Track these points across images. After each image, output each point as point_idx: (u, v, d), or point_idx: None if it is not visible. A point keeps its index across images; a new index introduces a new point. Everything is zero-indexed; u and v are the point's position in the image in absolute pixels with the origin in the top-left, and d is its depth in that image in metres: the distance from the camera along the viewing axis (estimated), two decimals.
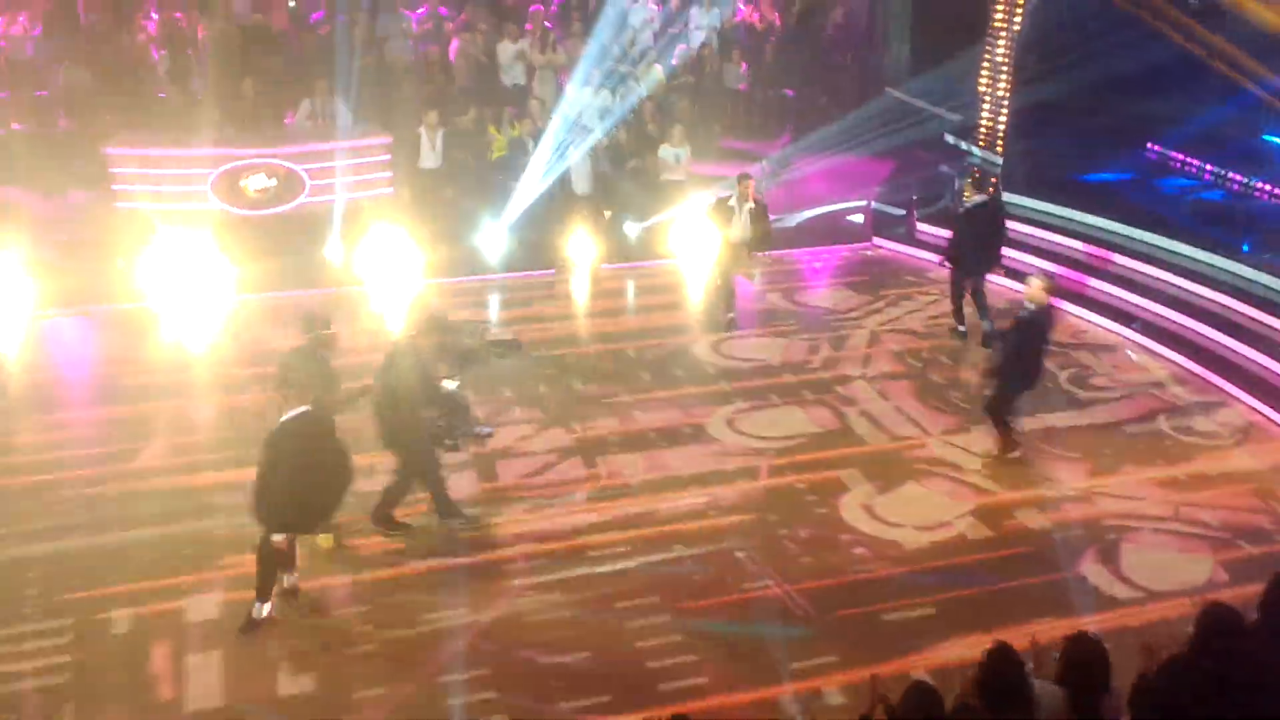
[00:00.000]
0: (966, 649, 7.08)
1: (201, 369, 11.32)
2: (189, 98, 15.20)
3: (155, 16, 16.67)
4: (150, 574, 8.09)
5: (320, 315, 8.53)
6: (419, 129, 14.66)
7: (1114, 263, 13.71)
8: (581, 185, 14.60)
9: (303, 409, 7.24)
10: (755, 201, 12.45)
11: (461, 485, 9.30)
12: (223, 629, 7.57)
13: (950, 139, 18.27)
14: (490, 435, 9.60)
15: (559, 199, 14.48)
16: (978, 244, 12.21)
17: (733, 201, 12.41)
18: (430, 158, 14.75)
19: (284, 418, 7.26)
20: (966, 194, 12.74)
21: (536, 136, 14.87)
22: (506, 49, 16.44)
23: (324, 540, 8.25)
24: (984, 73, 17.44)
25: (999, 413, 9.82)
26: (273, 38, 16.49)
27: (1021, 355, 9.65)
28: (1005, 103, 17.25)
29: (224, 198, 14.13)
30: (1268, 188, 15.05)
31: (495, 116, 15.53)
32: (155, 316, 12.36)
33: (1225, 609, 5.35)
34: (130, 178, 13.88)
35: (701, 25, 17.88)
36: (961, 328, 12.38)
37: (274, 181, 14.25)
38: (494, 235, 14.25)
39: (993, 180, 13.35)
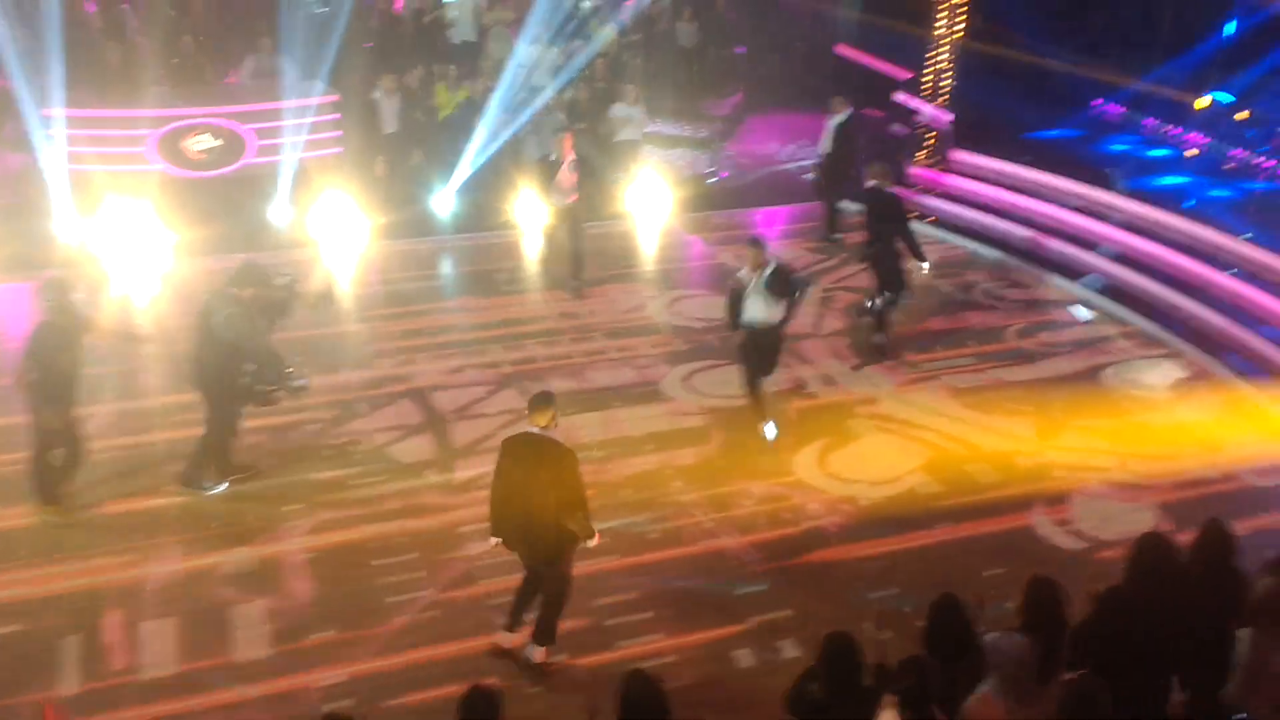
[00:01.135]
0: (919, 600, 7.17)
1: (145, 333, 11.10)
2: (127, 56, 14.80)
3: None
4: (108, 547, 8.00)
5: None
6: (373, 94, 14.33)
7: (1061, 219, 13.87)
8: (531, 149, 14.39)
9: None
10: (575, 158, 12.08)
11: (421, 447, 9.28)
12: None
13: (900, 97, 18.30)
14: (305, 388, 9.11)
15: (509, 160, 14.35)
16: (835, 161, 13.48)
17: (554, 157, 12.14)
18: (390, 122, 14.49)
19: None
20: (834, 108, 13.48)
21: (484, 99, 14.66)
22: (457, 4, 16.20)
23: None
24: (936, 30, 17.47)
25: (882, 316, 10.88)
26: None
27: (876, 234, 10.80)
28: (954, 60, 17.31)
29: (167, 159, 13.83)
30: (1207, 141, 15.29)
31: (443, 74, 15.29)
32: (98, 281, 12.11)
33: (1158, 538, 5.52)
34: (70, 139, 13.53)
35: None
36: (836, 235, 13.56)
37: (219, 141, 13.96)
38: (445, 197, 14.11)
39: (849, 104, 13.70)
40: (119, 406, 9.74)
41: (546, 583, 6.79)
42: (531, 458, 6.57)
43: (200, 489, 8.57)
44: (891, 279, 10.87)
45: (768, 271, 9.12)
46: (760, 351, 9.32)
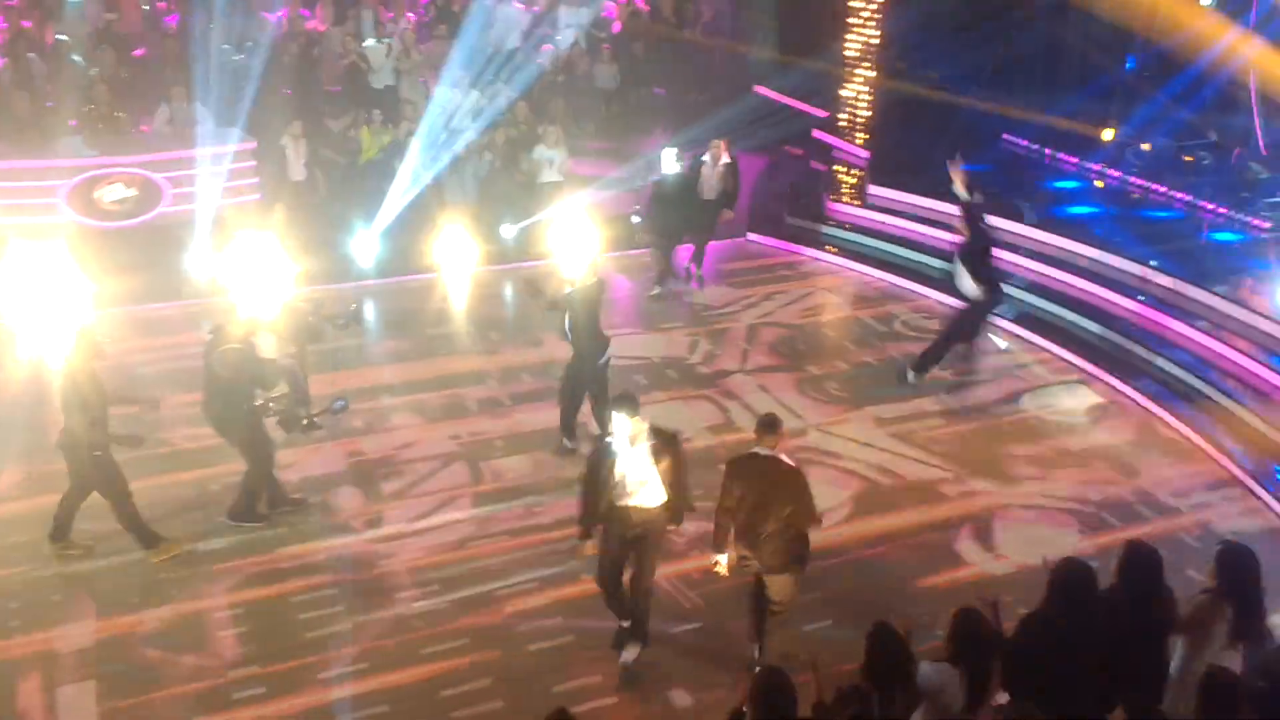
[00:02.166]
0: (852, 633, 7.22)
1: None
2: (36, 106, 14.48)
3: (2, 24, 15.86)
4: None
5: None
6: (282, 140, 14.23)
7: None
8: (454, 192, 14.35)
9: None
10: None
11: (342, 495, 9.16)
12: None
13: (818, 135, 18.67)
14: (345, 408, 9.27)
15: (432, 203, 14.31)
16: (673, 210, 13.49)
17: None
18: (297, 169, 14.30)
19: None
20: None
21: (406, 142, 14.63)
22: (376, 50, 16.14)
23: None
24: (847, 69, 17.93)
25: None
26: (123, 39, 15.85)
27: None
28: (868, 98, 17.76)
29: (79, 210, 13.53)
30: (1118, 175, 15.80)
31: (367, 119, 15.20)
32: (9, 335, 11.78)
33: (1076, 564, 5.65)
34: None
35: (570, 24, 17.86)
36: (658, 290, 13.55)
37: (132, 191, 13.70)
38: (367, 241, 14.00)
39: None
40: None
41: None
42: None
43: (251, 522, 8.61)
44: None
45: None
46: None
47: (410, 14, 17.06)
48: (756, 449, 7.03)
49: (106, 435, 7.97)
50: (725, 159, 13.75)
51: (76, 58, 15.20)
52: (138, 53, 15.78)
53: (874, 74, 17.57)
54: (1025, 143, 17.17)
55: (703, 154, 13.99)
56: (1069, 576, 5.52)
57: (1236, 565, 5.68)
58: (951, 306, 13.21)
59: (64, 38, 15.30)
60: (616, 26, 18.45)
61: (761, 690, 4.84)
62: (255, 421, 8.57)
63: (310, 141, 14.47)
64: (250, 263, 11.02)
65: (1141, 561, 5.70)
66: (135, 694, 7.01)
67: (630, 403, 6.95)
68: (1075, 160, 16.42)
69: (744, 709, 4.97)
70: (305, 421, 8.95)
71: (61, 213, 13.43)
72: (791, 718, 4.81)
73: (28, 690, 7.02)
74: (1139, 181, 15.55)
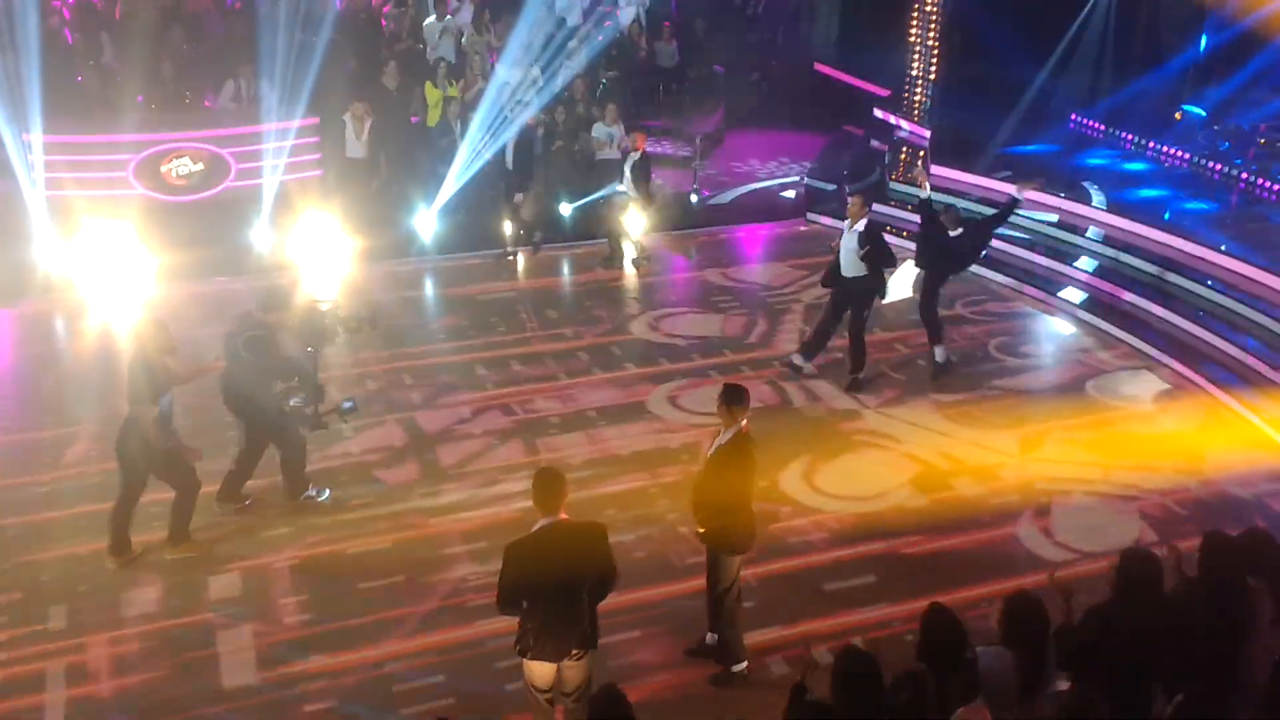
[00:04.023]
0: (907, 615, 7.20)
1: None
2: (106, 81, 14.78)
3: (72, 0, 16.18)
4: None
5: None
6: (344, 116, 14.23)
7: (1039, 231, 13.98)
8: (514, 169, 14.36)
9: None
10: None
11: (402, 470, 9.27)
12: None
13: (879, 114, 18.46)
14: (354, 409, 9.21)
15: (493, 179, 14.36)
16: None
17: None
18: (356, 147, 14.28)
19: None
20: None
21: (473, 104, 14.64)
22: (433, 27, 16.24)
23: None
24: (911, 47, 17.66)
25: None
26: (192, 18, 16.09)
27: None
28: (932, 77, 17.49)
29: (147, 184, 13.79)
30: (1187, 157, 15.44)
31: (430, 73, 15.20)
32: (78, 309, 12.06)
33: (1144, 555, 5.53)
34: (50, 165, 13.48)
35: (631, 2, 17.82)
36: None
37: (199, 166, 13.94)
38: (427, 219, 14.11)
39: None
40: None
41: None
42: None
43: (308, 498, 8.73)
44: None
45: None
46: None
47: None
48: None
49: (169, 435, 7.95)
50: (637, 154, 13.41)
51: (146, 31, 15.45)
52: (208, 29, 16.00)
53: (937, 52, 17.27)
54: (1093, 123, 16.85)
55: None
56: (1133, 567, 5.42)
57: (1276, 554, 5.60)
58: (1010, 287, 13.07)
59: (133, 14, 15.56)
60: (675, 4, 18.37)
61: (845, 672, 4.80)
62: (279, 408, 8.53)
63: (373, 120, 14.45)
64: (312, 239, 11.18)
65: (1219, 552, 5.58)
66: (201, 649, 7.17)
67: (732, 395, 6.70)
68: (1146, 142, 16.09)
69: (805, 683, 4.95)
70: (313, 420, 8.95)
71: (130, 186, 13.69)
72: (875, 700, 4.76)
73: (95, 657, 7.21)
74: (1212, 164, 15.20)
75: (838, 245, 10.55)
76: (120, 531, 8.04)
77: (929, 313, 10.96)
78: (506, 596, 5.68)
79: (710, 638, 7.10)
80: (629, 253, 13.66)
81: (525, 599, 5.67)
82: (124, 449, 7.91)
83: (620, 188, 13.55)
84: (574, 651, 5.79)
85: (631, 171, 13.36)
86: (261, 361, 8.33)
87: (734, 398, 6.66)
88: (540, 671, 5.84)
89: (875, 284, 10.56)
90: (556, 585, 5.65)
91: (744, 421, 6.66)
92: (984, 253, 11.81)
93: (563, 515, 5.71)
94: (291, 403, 8.65)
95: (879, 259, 10.43)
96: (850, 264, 10.43)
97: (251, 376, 8.34)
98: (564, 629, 5.74)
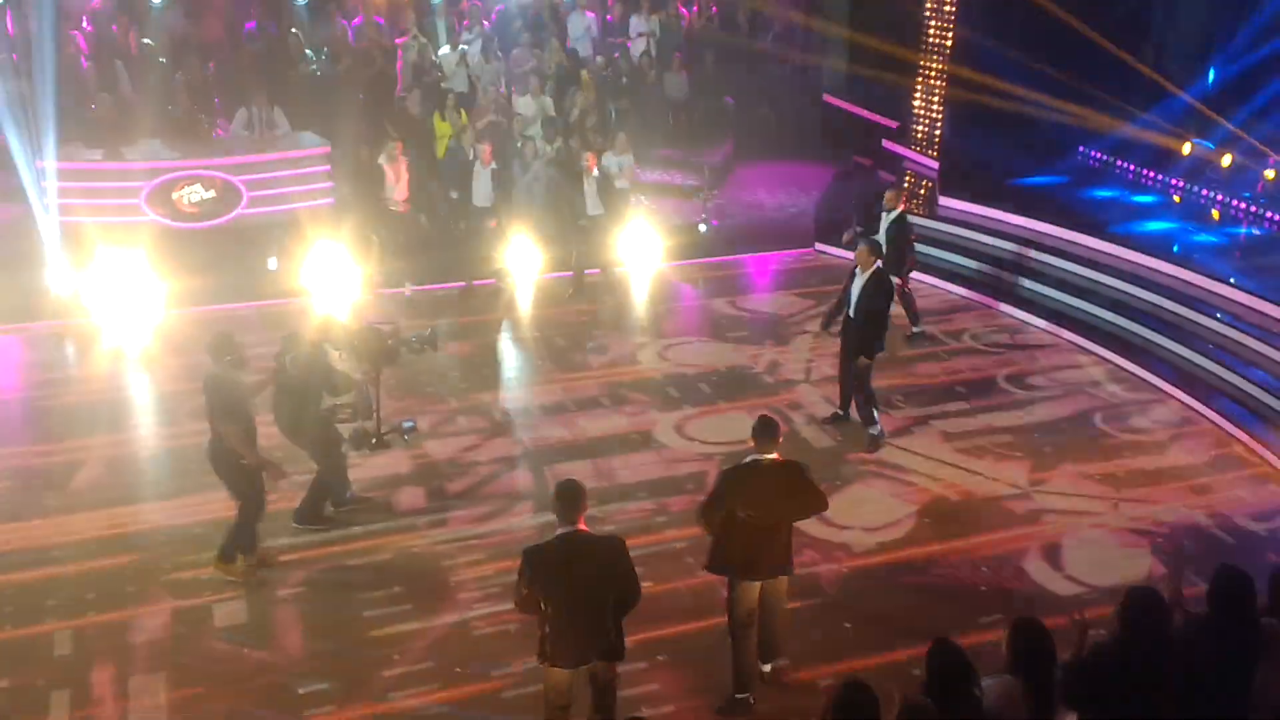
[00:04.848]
0: (915, 648, 7.14)
1: (138, 388, 11.13)
2: (120, 109, 14.92)
3: (89, 28, 16.37)
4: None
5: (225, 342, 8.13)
6: (379, 160, 13.55)
7: (1047, 263, 13.99)
8: (481, 198, 14.23)
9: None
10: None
11: (407, 497, 9.27)
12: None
13: (889, 146, 18.55)
14: (414, 429, 9.43)
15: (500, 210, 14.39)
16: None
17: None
18: (399, 190, 13.52)
19: None
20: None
21: (485, 134, 14.68)
22: (449, 56, 16.37)
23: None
24: (919, 79, 17.77)
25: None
26: (206, 47, 16.27)
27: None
28: (940, 110, 17.60)
29: (159, 210, 13.88)
30: (1198, 190, 15.46)
31: (441, 103, 15.27)
32: (90, 334, 12.12)
33: (1149, 591, 5.49)
34: (64, 191, 13.59)
35: (642, 33, 17.95)
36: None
37: (211, 193, 14.03)
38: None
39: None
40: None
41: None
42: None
43: (315, 525, 8.73)
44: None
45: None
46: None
47: (485, 22, 17.29)
48: (758, 457, 6.76)
49: (256, 450, 8.00)
50: (595, 173, 13.51)
51: (161, 60, 15.63)
52: (221, 58, 16.16)
53: (946, 84, 17.38)
54: (1098, 154, 16.91)
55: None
56: (1139, 604, 5.38)
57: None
58: (1019, 320, 13.06)
59: (149, 42, 15.74)
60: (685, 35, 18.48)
61: (842, 704, 4.75)
62: (325, 424, 8.70)
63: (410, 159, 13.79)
64: (325, 266, 11.30)
65: (1232, 587, 5.54)
66: (204, 685, 7.14)
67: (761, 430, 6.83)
68: (1153, 174, 16.12)
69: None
70: (374, 440, 9.14)
71: (142, 213, 13.79)
72: None
73: (100, 679, 7.19)
74: (1218, 197, 15.21)
75: (845, 289, 10.19)
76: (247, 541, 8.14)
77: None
78: (522, 599, 5.91)
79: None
80: (582, 283, 13.69)
81: (542, 602, 5.84)
82: (217, 467, 8.01)
83: (591, 212, 13.53)
84: (598, 662, 6.00)
85: (599, 194, 13.44)
86: (309, 378, 8.41)
87: (755, 428, 6.83)
88: (556, 678, 6.01)
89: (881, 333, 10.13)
90: (573, 593, 5.82)
91: (761, 451, 6.76)
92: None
93: (581, 526, 5.89)
94: (342, 416, 8.74)
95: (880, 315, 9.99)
96: (854, 309, 10.02)
97: (297, 395, 8.41)
98: (583, 639, 5.92)
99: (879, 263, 9.97)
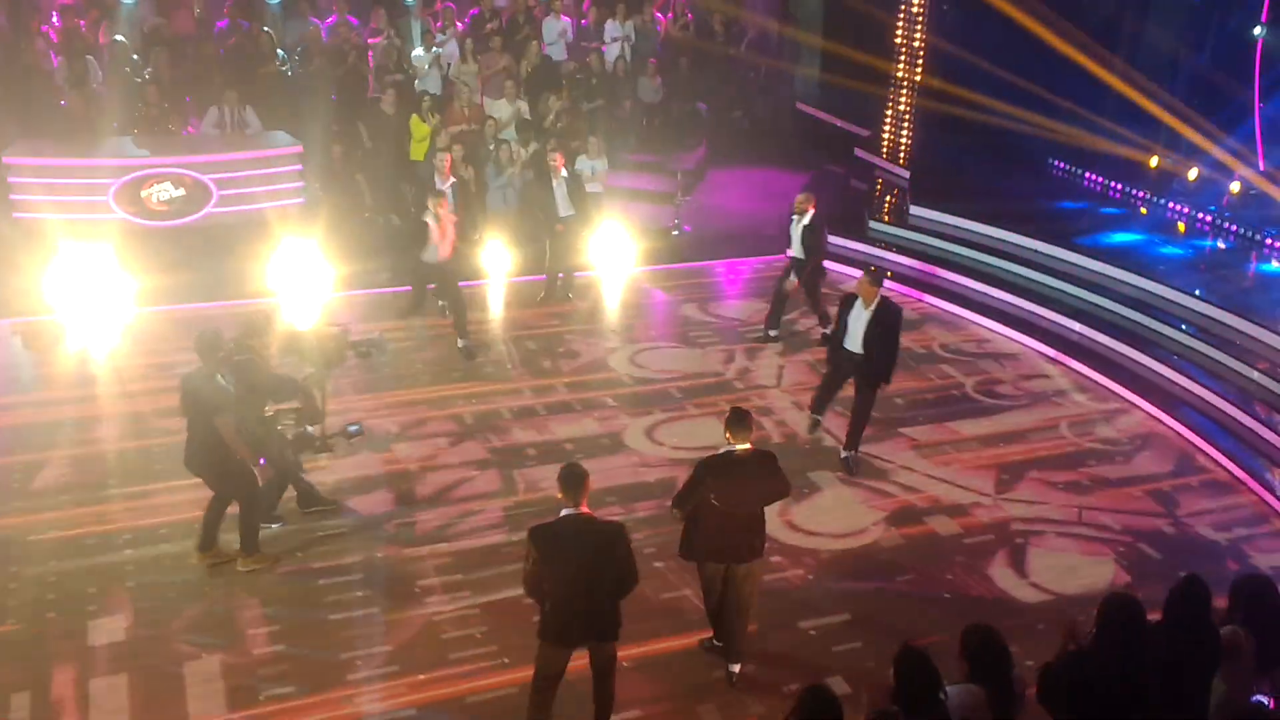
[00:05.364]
0: (882, 654, 7.18)
1: (104, 386, 11.01)
2: (89, 105, 14.77)
3: (58, 23, 16.20)
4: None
5: (215, 340, 8.08)
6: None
7: (1015, 273, 14.12)
8: (494, 202, 14.26)
9: None
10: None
11: (375, 500, 9.22)
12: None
13: (860, 154, 18.67)
14: (360, 433, 9.36)
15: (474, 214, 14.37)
16: None
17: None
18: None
19: None
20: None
21: (459, 139, 14.65)
22: (422, 59, 16.32)
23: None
24: (891, 88, 17.91)
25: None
26: (177, 41, 16.14)
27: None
28: (910, 119, 17.74)
29: (127, 208, 13.75)
30: (1171, 204, 15.66)
31: (416, 105, 15.21)
32: (56, 332, 11.97)
33: (1125, 598, 5.56)
34: (28, 188, 13.44)
35: (616, 37, 17.97)
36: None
37: (180, 191, 13.91)
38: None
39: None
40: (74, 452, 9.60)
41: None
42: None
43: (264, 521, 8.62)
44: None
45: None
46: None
47: (460, 23, 17.24)
48: (732, 447, 6.97)
49: (245, 443, 7.94)
50: (564, 173, 13.45)
51: (135, 56, 15.49)
52: (192, 52, 16.03)
53: (917, 94, 17.52)
54: (1064, 165, 17.10)
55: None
56: (1115, 610, 5.43)
57: (1256, 595, 5.71)
58: (987, 329, 13.16)
59: (120, 39, 15.60)
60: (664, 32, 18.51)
61: (807, 709, 4.79)
62: (265, 430, 8.48)
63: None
64: (294, 267, 11.18)
65: (1196, 595, 5.62)
66: (167, 688, 7.07)
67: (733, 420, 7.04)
68: (1120, 186, 16.31)
69: None
70: (318, 443, 9.00)
71: (110, 211, 13.65)
72: None
73: (61, 681, 7.11)
74: (1184, 210, 15.41)
75: (839, 318, 9.76)
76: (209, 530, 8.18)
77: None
78: (531, 580, 6.18)
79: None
80: (562, 283, 13.65)
81: (546, 582, 6.09)
82: (199, 470, 7.98)
83: (562, 213, 13.51)
84: (592, 643, 6.30)
85: (570, 195, 13.39)
86: (246, 384, 8.24)
87: (729, 420, 7.04)
88: (549, 655, 6.24)
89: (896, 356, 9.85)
90: (573, 572, 6.08)
91: (733, 442, 6.99)
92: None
93: (584, 508, 6.18)
94: (286, 427, 8.63)
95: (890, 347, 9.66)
96: (858, 342, 9.62)
97: (241, 402, 8.19)
98: (579, 619, 6.17)
99: (881, 294, 9.56)
